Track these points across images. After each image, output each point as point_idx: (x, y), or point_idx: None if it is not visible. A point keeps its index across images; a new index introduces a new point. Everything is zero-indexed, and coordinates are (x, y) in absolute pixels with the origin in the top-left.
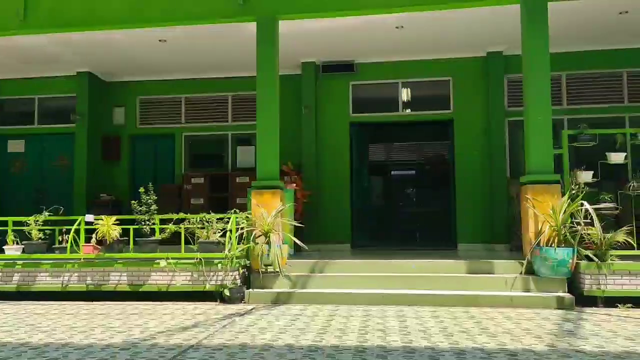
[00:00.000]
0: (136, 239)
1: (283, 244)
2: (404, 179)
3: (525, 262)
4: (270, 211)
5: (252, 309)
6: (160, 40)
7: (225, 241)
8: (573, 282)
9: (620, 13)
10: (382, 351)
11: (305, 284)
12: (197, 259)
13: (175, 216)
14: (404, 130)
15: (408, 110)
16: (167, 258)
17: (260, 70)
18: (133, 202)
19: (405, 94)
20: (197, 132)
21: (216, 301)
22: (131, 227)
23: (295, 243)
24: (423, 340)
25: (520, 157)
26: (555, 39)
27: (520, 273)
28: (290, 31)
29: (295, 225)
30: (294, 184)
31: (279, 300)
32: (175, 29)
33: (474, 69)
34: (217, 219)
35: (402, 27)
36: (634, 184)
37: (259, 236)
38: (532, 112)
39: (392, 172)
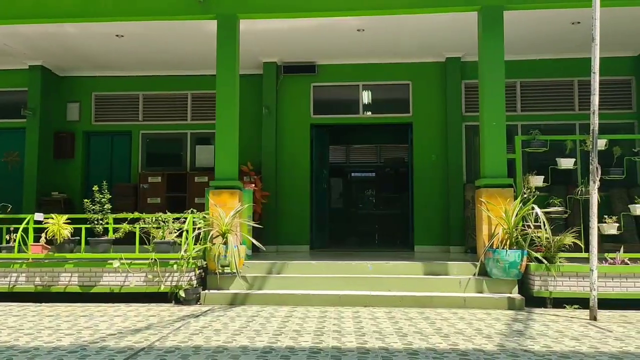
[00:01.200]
0: (88, 238)
1: (241, 244)
2: (364, 181)
3: (478, 264)
4: (228, 211)
5: (207, 311)
6: (117, 36)
7: (181, 241)
8: (523, 284)
9: (573, 23)
10: (337, 352)
11: (263, 285)
12: (152, 259)
13: (129, 215)
14: (364, 132)
15: (369, 113)
16: (121, 258)
17: (220, 69)
18: (86, 200)
19: (366, 97)
20: (155, 130)
21: (171, 303)
22: (83, 226)
23: (253, 244)
24: (378, 341)
25: (476, 161)
26: (511, 47)
27: (474, 275)
28: (251, 30)
29: (253, 226)
30: (253, 185)
31: (235, 301)
32: (133, 25)
33: (434, 73)
34: (174, 219)
35: (363, 30)
36: (582, 188)
37: (216, 237)
38: (487, 117)
39: (352, 174)
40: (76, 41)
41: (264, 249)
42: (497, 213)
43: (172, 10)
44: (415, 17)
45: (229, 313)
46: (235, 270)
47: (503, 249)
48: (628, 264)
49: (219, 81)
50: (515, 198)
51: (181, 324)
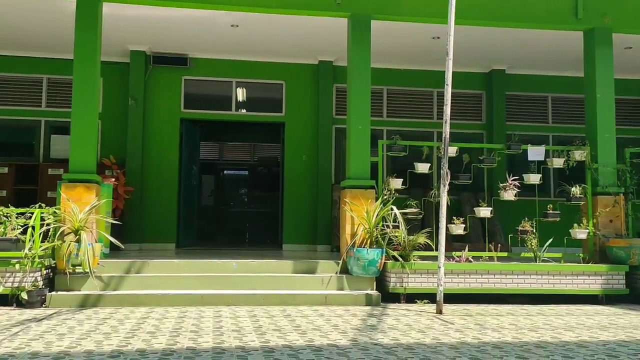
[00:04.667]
0: None
1: (97, 242)
2: (237, 179)
3: (340, 262)
4: (83, 207)
5: (53, 314)
6: None
7: (26, 238)
8: (381, 281)
9: (433, 38)
10: (191, 353)
11: (119, 285)
12: None
13: None
14: (238, 130)
15: (243, 110)
16: None
17: (78, 54)
18: None
19: (239, 94)
20: (3, 115)
21: (12, 306)
22: None
23: (112, 242)
24: (235, 340)
25: (344, 163)
26: (380, 55)
27: (336, 273)
28: (119, 15)
29: (113, 223)
30: (114, 179)
31: (87, 303)
32: None
33: (307, 75)
34: (18, 213)
35: (237, 26)
36: (436, 192)
37: (68, 234)
38: (353, 120)
39: (225, 172)
40: None
41: (123, 247)
42: (359, 213)
43: None
44: (290, 19)
45: (77, 316)
46: (88, 270)
47: (364, 247)
48: (472, 262)
49: (76, 66)
50: (377, 199)
51: (20, 329)
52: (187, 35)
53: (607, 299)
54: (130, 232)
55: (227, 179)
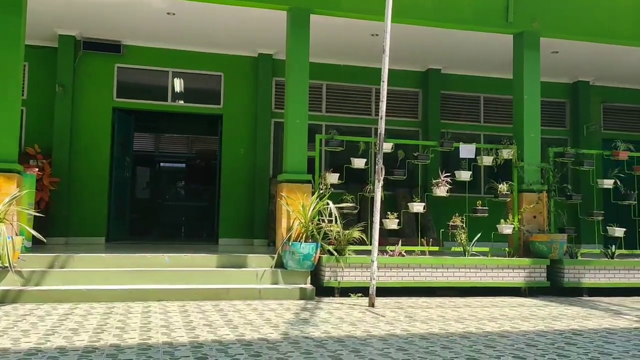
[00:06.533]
0: None
1: (18, 235)
2: (174, 172)
3: (276, 256)
4: (2, 197)
5: None
6: None
7: None
8: (316, 275)
9: (372, 35)
10: (115, 350)
11: (41, 281)
12: None
13: None
14: (175, 121)
15: (179, 102)
16: None
17: (0, 36)
18: None
19: (176, 84)
20: None
21: None
22: None
23: (36, 236)
24: (163, 336)
25: (282, 157)
26: (320, 50)
27: (271, 267)
28: None
29: (36, 215)
30: (36, 169)
31: (6, 299)
32: None
33: (246, 67)
34: None
35: (174, 14)
36: (371, 187)
37: None
38: (291, 115)
39: (162, 164)
40: None
41: (45, 240)
42: (295, 207)
43: None
44: (228, 9)
45: None
46: (7, 264)
47: (299, 241)
48: (404, 256)
49: None
50: (314, 194)
51: None
52: (120, 21)
53: (529, 291)
54: (57, 225)
55: (164, 171)
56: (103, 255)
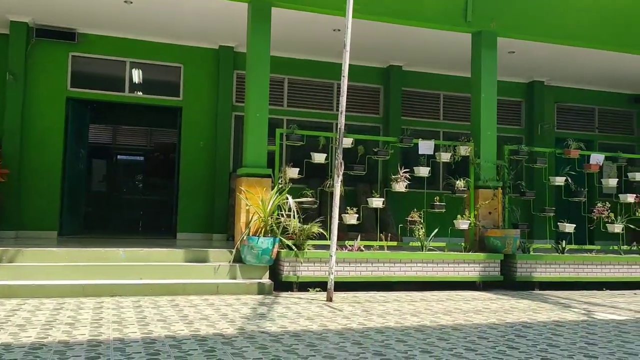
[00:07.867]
0: None
1: None
2: (132, 165)
3: (234, 250)
4: None
5: None
6: None
7: None
8: (275, 269)
9: (334, 30)
10: (63, 346)
11: None
12: None
13: None
14: (133, 113)
15: (138, 93)
16: None
17: None
18: None
19: (134, 75)
20: None
21: None
22: None
23: None
24: (114, 332)
25: (243, 150)
26: (281, 44)
27: (229, 262)
28: None
29: None
30: None
31: None
32: None
33: (206, 60)
34: None
35: (132, 2)
36: (331, 181)
37: None
38: (251, 108)
39: (119, 157)
40: None
41: None
42: (254, 202)
43: None
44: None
45: None
46: None
47: (258, 236)
48: (363, 251)
49: None
50: (273, 188)
51: None
52: (75, 8)
53: (484, 285)
54: (6, 219)
55: (121, 164)
56: (54, 249)
